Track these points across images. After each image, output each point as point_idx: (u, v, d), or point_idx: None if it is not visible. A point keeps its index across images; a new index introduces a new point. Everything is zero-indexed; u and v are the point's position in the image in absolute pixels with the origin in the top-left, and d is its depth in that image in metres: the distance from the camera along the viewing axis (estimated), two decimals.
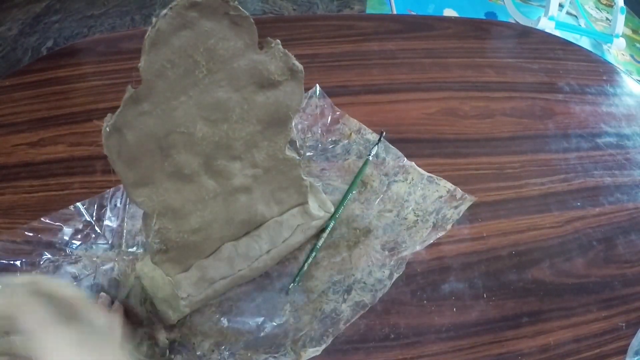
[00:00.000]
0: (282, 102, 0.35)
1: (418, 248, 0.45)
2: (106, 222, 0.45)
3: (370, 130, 0.54)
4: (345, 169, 0.50)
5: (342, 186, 0.49)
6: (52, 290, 0.26)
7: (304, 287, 0.42)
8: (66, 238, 0.44)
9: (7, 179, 0.49)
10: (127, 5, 1.68)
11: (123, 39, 0.64)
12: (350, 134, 0.53)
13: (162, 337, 0.39)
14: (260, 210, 0.41)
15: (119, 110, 0.29)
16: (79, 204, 0.46)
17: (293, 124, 0.38)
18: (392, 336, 0.40)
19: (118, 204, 0.47)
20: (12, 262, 0.42)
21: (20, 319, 0.24)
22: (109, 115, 0.29)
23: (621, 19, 1.57)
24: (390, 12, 1.71)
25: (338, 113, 0.55)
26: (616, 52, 1.69)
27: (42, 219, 0.45)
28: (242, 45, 0.31)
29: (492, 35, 0.70)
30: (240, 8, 0.29)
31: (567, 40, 0.72)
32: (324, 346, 0.39)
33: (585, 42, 1.69)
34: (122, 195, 0.47)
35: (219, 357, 0.38)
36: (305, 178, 0.42)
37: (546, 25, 1.51)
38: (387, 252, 0.44)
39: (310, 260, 0.43)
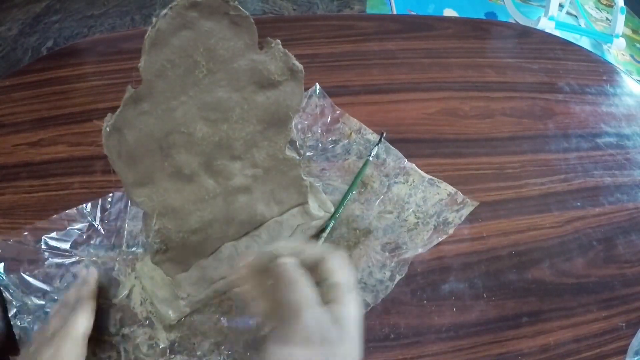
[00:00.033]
0: (282, 102, 0.35)
1: (420, 251, 0.45)
2: (107, 223, 0.45)
3: (370, 130, 0.54)
4: (345, 169, 0.50)
5: (342, 186, 0.49)
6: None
7: None
8: (68, 239, 0.44)
9: (7, 179, 0.49)
10: (127, 5, 1.68)
11: (123, 39, 0.64)
12: (351, 133, 0.53)
13: (162, 337, 0.39)
14: (260, 210, 0.41)
15: (119, 110, 0.29)
16: (83, 206, 0.46)
17: (293, 124, 0.38)
18: (392, 336, 0.40)
19: (120, 205, 0.47)
20: (17, 262, 0.43)
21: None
22: (109, 115, 0.29)
23: (621, 19, 1.57)
24: (390, 12, 1.71)
25: (338, 112, 0.55)
26: (616, 52, 1.69)
27: (48, 219, 0.45)
28: (242, 45, 0.31)
29: (492, 35, 0.70)
30: (240, 8, 0.29)
31: (567, 40, 0.72)
32: None
33: (585, 42, 1.69)
34: (124, 196, 0.47)
35: (219, 357, 0.38)
36: (305, 178, 0.42)
37: (546, 25, 1.51)
38: (387, 253, 0.44)
39: None
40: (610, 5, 1.84)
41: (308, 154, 0.51)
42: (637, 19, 1.89)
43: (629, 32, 1.81)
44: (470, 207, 0.48)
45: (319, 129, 0.54)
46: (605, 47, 1.66)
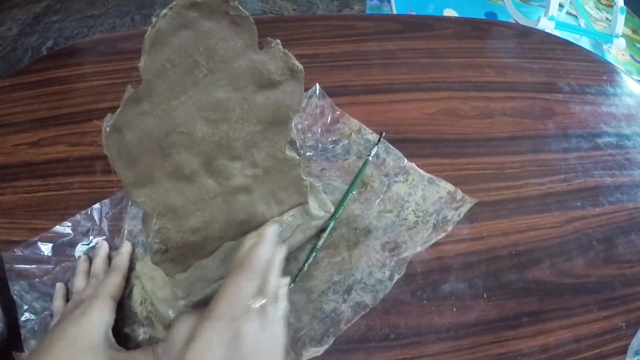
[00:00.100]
0: (282, 102, 0.35)
1: (419, 249, 0.45)
2: (110, 224, 0.45)
3: (370, 130, 0.54)
4: (345, 169, 0.50)
5: (342, 186, 0.49)
6: None
7: (304, 287, 0.42)
8: (69, 240, 0.44)
9: (7, 179, 0.49)
10: (127, 5, 1.69)
11: (123, 39, 0.64)
12: (350, 133, 0.53)
13: (162, 337, 0.39)
14: (260, 210, 0.41)
15: (119, 110, 0.29)
16: (87, 210, 0.46)
17: (293, 124, 0.38)
18: (392, 336, 0.40)
19: (120, 206, 0.47)
20: (25, 267, 0.43)
21: None
22: (109, 115, 0.29)
23: (621, 19, 1.57)
24: (390, 12, 1.71)
25: (338, 112, 0.55)
26: (616, 52, 1.69)
27: (52, 223, 0.45)
28: (242, 45, 0.31)
29: (492, 35, 0.70)
30: (240, 8, 0.29)
31: (567, 40, 0.72)
32: (325, 347, 0.39)
33: (585, 42, 1.69)
34: (124, 196, 0.47)
35: None
36: (305, 178, 0.42)
37: (546, 25, 1.51)
38: (387, 253, 0.44)
39: (310, 260, 0.43)
40: (610, 5, 1.84)
41: (308, 154, 0.51)
42: (637, 19, 1.89)
43: (629, 32, 1.81)
44: (469, 204, 0.48)
45: (319, 129, 0.54)
46: (605, 47, 1.66)
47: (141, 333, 0.39)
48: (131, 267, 0.42)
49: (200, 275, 0.40)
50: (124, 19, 1.63)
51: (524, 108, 0.59)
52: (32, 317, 0.40)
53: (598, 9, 1.91)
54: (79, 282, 0.41)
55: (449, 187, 0.49)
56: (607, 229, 0.49)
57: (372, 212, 0.47)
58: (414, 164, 0.51)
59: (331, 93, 0.56)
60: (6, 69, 1.43)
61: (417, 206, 0.48)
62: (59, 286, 0.41)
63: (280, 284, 0.34)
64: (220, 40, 0.30)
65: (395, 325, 0.41)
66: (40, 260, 0.43)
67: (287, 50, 0.33)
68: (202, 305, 0.38)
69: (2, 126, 0.54)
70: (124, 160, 0.31)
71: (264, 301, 0.30)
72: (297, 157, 0.40)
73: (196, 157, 0.34)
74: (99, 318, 0.35)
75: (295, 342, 0.39)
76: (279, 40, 0.33)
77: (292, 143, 0.50)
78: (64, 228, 0.45)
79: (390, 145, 0.52)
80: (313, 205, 0.44)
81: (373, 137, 0.53)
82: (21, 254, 0.43)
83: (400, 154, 0.52)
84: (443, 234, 0.46)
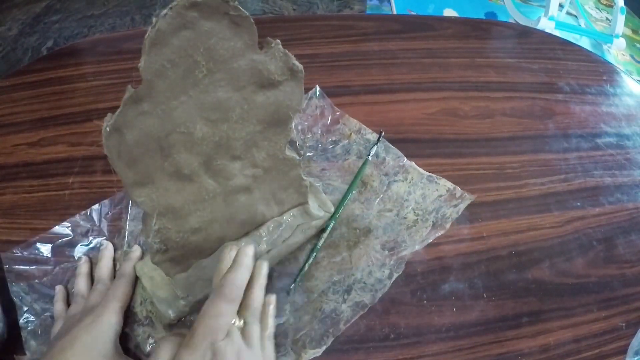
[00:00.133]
0: (282, 102, 0.35)
1: (417, 248, 0.45)
2: (110, 225, 0.45)
3: (370, 130, 0.54)
4: (345, 169, 0.50)
5: (342, 186, 0.49)
6: None
7: (304, 287, 0.42)
8: (73, 244, 0.44)
9: (7, 179, 0.49)
10: (127, 5, 1.69)
11: (123, 39, 0.64)
12: (350, 134, 0.53)
13: (162, 337, 0.39)
14: (260, 210, 0.41)
15: (119, 110, 0.29)
16: (87, 211, 0.46)
17: (293, 125, 0.38)
18: (392, 336, 0.40)
19: (121, 206, 0.47)
20: (25, 268, 0.43)
21: None
22: (109, 115, 0.29)
23: (621, 19, 1.57)
24: (390, 12, 1.71)
25: (338, 113, 0.55)
26: (616, 52, 1.69)
27: (52, 224, 0.45)
28: (242, 45, 0.31)
29: (492, 35, 0.70)
30: (240, 8, 0.29)
31: (567, 40, 0.72)
32: (324, 347, 0.39)
33: (585, 42, 1.69)
34: (125, 197, 0.47)
35: None
36: (305, 178, 0.42)
37: (546, 25, 1.51)
38: (387, 252, 0.44)
39: (310, 260, 0.43)
40: (610, 5, 1.84)
41: (308, 154, 0.51)
42: (637, 19, 1.89)
43: (629, 32, 1.81)
44: (467, 200, 0.48)
45: (319, 129, 0.54)
46: (605, 47, 1.66)
47: (140, 333, 0.39)
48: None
49: (200, 275, 0.40)
50: (124, 19, 1.63)
51: (524, 108, 0.59)
52: (33, 318, 0.40)
53: (598, 9, 1.91)
54: (80, 284, 0.41)
55: (449, 185, 0.49)
56: (607, 229, 0.49)
57: (372, 212, 0.47)
58: (413, 162, 0.51)
59: (331, 93, 0.56)
60: (6, 69, 1.43)
61: (416, 205, 0.48)
62: (59, 289, 0.41)
63: (267, 301, 0.34)
64: (220, 40, 0.30)
65: (395, 325, 0.41)
66: (39, 261, 0.43)
67: (287, 50, 0.33)
68: (189, 323, 0.38)
69: (2, 126, 0.54)
70: (124, 160, 0.31)
71: (242, 321, 0.31)
72: (297, 157, 0.40)
73: (196, 157, 0.34)
74: (109, 326, 0.35)
75: (295, 343, 0.39)
76: (279, 40, 0.33)
77: (292, 143, 0.50)
78: (63, 229, 0.45)
79: (390, 145, 0.52)
80: (313, 205, 0.44)
81: (373, 137, 0.53)
82: (20, 254, 0.43)
83: (399, 153, 0.52)
84: (442, 232, 0.46)
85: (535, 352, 0.40)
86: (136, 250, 0.42)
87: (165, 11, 0.27)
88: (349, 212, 0.47)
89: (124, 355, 0.35)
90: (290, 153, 0.39)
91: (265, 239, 0.42)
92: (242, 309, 0.32)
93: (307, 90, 0.56)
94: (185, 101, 0.31)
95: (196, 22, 0.28)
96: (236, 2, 0.29)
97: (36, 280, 0.42)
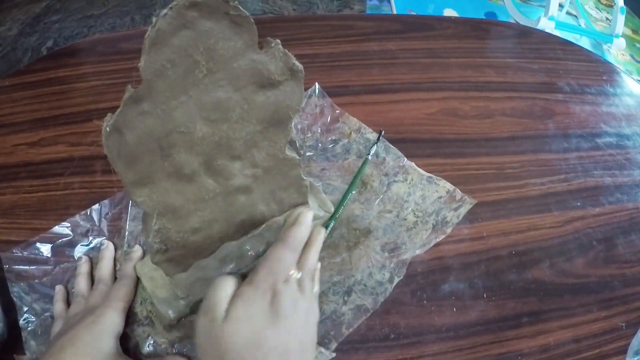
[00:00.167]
0: (282, 102, 0.35)
1: (418, 252, 0.45)
2: (110, 225, 0.45)
3: (370, 130, 0.54)
4: (345, 169, 0.50)
5: (342, 186, 0.49)
6: None
7: None
8: (73, 244, 0.44)
9: (7, 179, 0.49)
10: (127, 5, 1.69)
11: (123, 39, 0.64)
12: (350, 133, 0.53)
13: (162, 337, 0.39)
14: (260, 210, 0.41)
15: (118, 110, 0.29)
16: (87, 211, 0.46)
17: (293, 124, 0.38)
18: (392, 336, 0.40)
19: (121, 206, 0.47)
20: (25, 268, 0.43)
21: None
22: (109, 115, 0.29)
23: (621, 19, 1.57)
24: (390, 12, 1.71)
25: (338, 112, 0.55)
26: (616, 52, 1.69)
27: (51, 224, 0.45)
28: (242, 45, 0.31)
29: (492, 35, 0.70)
30: (240, 8, 0.29)
31: (567, 40, 0.72)
32: (327, 352, 0.39)
33: (585, 42, 1.69)
34: (125, 197, 0.47)
35: None
36: (305, 178, 0.42)
37: (546, 25, 1.51)
38: (387, 254, 0.44)
39: None
40: (610, 5, 1.84)
41: (308, 154, 0.51)
42: (637, 19, 1.89)
43: (629, 32, 1.81)
44: (468, 205, 0.48)
45: (319, 128, 0.54)
46: (605, 47, 1.66)
47: (140, 333, 0.39)
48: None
49: (200, 275, 0.40)
50: (124, 19, 1.63)
51: (524, 108, 0.59)
52: (33, 318, 0.40)
53: (598, 9, 1.91)
54: (81, 284, 0.41)
55: (448, 186, 0.49)
56: (607, 229, 0.49)
57: (372, 212, 0.47)
58: (413, 163, 0.51)
59: (331, 93, 0.56)
60: (6, 69, 1.43)
61: (416, 206, 0.48)
62: (59, 289, 0.41)
63: (317, 266, 0.35)
64: (220, 40, 0.30)
65: (395, 325, 0.41)
66: (39, 261, 0.43)
67: (287, 50, 0.33)
68: (189, 323, 0.39)
69: (2, 126, 0.54)
70: (124, 160, 0.31)
71: (300, 274, 0.33)
72: (297, 157, 0.40)
73: (196, 157, 0.34)
74: (110, 326, 0.35)
75: None
76: (279, 40, 0.32)
77: (292, 143, 0.50)
78: (63, 229, 0.45)
79: (390, 144, 0.52)
80: (313, 205, 0.44)
81: (373, 136, 0.53)
82: (20, 254, 0.43)
83: (399, 153, 0.52)
84: (442, 236, 0.46)
85: (535, 352, 0.40)
86: (137, 251, 0.42)
87: (165, 11, 0.27)
88: (349, 212, 0.47)
89: (124, 355, 0.35)
90: (290, 153, 0.39)
91: (265, 239, 0.42)
92: (298, 266, 0.34)
93: (306, 89, 0.56)
94: (185, 101, 0.31)
95: (196, 21, 0.28)
96: (236, 2, 0.29)
97: (36, 280, 0.42)
